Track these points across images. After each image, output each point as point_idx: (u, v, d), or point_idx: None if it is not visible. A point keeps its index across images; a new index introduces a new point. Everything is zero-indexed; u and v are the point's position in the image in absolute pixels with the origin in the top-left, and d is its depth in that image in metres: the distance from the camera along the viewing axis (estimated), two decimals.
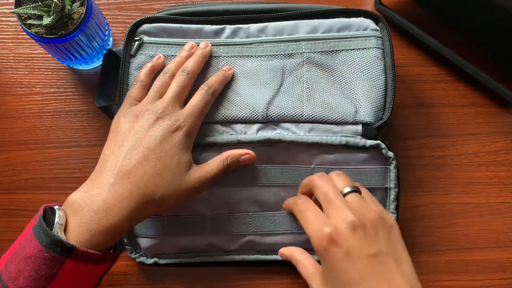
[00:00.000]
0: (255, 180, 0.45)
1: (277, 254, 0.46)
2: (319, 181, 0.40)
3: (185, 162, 0.40)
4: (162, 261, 0.46)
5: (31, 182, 0.50)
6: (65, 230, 0.36)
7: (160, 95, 0.42)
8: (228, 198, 0.45)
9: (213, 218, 0.45)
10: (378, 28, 0.46)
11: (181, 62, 0.44)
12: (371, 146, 0.44)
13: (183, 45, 0.46)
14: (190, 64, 0.44)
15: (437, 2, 0.50)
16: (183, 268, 0.48)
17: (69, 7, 0.43)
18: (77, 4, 0.44)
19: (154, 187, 0.38)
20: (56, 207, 0.37)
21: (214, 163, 0.42)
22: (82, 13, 0.43)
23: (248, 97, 0.45)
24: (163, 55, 0.46)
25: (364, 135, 0.45)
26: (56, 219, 0.36)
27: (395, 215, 0.45)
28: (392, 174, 0.45)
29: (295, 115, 0.45)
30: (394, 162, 0.45)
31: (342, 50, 0.46)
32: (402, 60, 0.52)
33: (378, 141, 0.44)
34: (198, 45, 0.46)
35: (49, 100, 0.52)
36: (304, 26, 0.46)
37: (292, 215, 0.45)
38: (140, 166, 0.39)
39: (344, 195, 0.39)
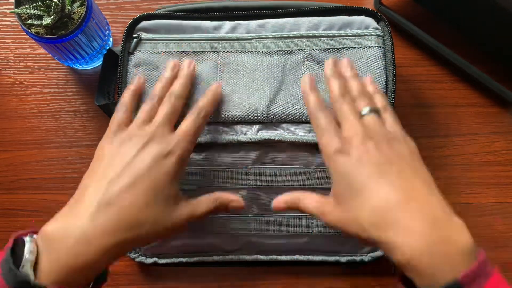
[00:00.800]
0: (255, 181, 0.45)
1: (277, 254, 0.46)
2: (342, 101, 0.38)
3: (174, 195, 0.37)
4: (161, 261, 0.46)
5: (31, 182, 0.50)
6: (37, 266, 0.31)
7: (149, 119, 0.39)
8: None
9: (213, 218, 0.45)
10: (379, 27, 0.46)
11: (167, 84, 0.42)
12: None
13: (182, 41, 0.45)
14: (177, 88, 0.41)
15: (437, 2, 0.50)
16: (182, 268, 0.48)
17: (69, 7, 0.43)
18: (77, 4, 0.44)
19: (141, 222, 0.34)
20: (27, 238, 0.32)
21: (204, 203, 0.39)
22: (82, 13, 0.43)
23: (249, 96, 0.45)
24: (162, 51, 0.45)
25: None
26: (26, 255, 0.31)
27: None
28: None
29: (295, 116, 0.44)
30: None
31: (343, 48, 0.46)
32: (402, 60, 0.52)
33: None
34: (181, 64, 0.44)
35: (49, 100, 0.52)
36: (304, 23, 0.46)
37: (290, 219, 0.45)
38: (127, 195, 0.34)
39: (362, 115, 0.37)
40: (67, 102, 0.51)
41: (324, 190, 0.44)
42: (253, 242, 0.46)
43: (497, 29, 0.47)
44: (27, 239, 0.32)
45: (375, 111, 0.38)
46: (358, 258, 0.46)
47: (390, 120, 0.39)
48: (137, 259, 0.46)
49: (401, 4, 0.53)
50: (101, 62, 0.49)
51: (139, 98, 0.42)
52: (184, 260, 0.46)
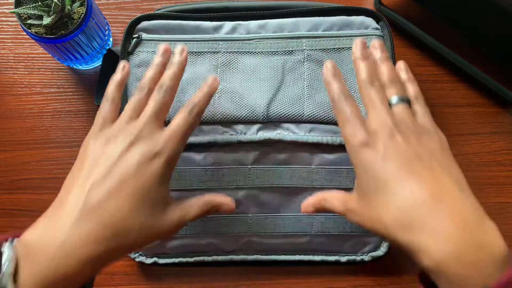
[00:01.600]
0: (255, 181, 0.45)
1: (276, 254, 0.46)
2: (370, 87, 0.35)
3: (163, 198, 0.34)
4: (161, 261, 0.46)
5: (31, 182, 0.50)
6: (16, 277, 0.29)
7: (137, 114, 0.36)
8: None
9: (213, 218, 0.45)
10: (379, 27, 0.46)
11: (156, 72, 0.38)
12: None
13: (182, 41, 0.46)
14: (167, 79, 0.37)
15: (437, 2, 0.50)
16: (182, 268, 0.48)
17: (69, 7, 0.43)
18: (77, 4, 0.44)
19: (127, 229, 0.32)
20: (5, 246, 0.30)
21: (195, 207, 0.37)
22: (82, 13, 0.43)
23: (248, 96, 0.45)
24: None
25: None
26: (4, 268, 0.29)
27: None
28: None
29: (295, 115, 0.45)
30: None
31: (343, 49, 0.46)
32: (402, 60, 0.52)
33: None
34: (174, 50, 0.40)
35: (49, 100, 0.52)
36: (304, 24, 0.46)
37: (290, 219, 0.45)
38: (111, 200, 0.32)
39: (392, 105, 0.35)
40: (67, 102, 0.51)
41: (324, 189, 0.45)
42: (253, 242, 0.46)
43: (497, 29, 0.47)
44: (5, 248, 0.30)
45: (405, 100, 0.35)
46: (358, 258, 0.46)
47: (420, 111, 0.36)
48: (137, 259, 0.46)
49: (401, 4, 0.53)
50: (101, 62, 0.49)
51: (124, 88, 0.40)
52: (184, 260, 0.46)
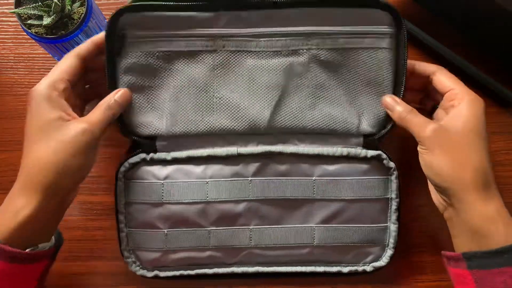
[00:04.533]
0: (255, 193, 0.44)
1: (278, 266, 0.45)
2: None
3: (55, 119, 0.38)
4: (162, 274, 0.45)
5: None
6: None
7: None
8: (228, 211, 0.44)
9: (213, 231, 0.44)
10: (392, 24, 0.42)
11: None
12: (372, 157, 0.44)
13: (173, 38, 0.41)
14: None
15: (437, 2, 0.50)
16: (184, 281, 0.47)
17: (69, 7, 0.43)
18: (77, 4, 0.44)
19: (37, 154, 0.37)
20: None
21: (96, 111, 0.40)
22: (82, 13, 0.43)
23: (248, 107, 0.43)
24: (153, 51, 0.42)
25: (365, 145, 0.44)
26: None
27: (396, 225, 0.45)
28: (393, 185, 0.44)
29: (297, 128, 0.44)
30: (395, 172, 0.44)
31: (352, 49, 0.42)
32: None
33: (379, 152, 0.44)
34: None
35: None
36: (312, 15, 0.41)
37: (291, 231, 0.45)
38: (24, 150, 0.39)
39: None
40: None
41: (326, 201, 0.44)
42: (254, 254, 0.45)
43: (497, 29, 0.47)
44: None
45: None
46: (360, 268, 0.46)
47: None
48: (138, 273, 0.45)
49: (401, 4, 0.53)
50: None
51: None
52: (185, 273, 0.45)
